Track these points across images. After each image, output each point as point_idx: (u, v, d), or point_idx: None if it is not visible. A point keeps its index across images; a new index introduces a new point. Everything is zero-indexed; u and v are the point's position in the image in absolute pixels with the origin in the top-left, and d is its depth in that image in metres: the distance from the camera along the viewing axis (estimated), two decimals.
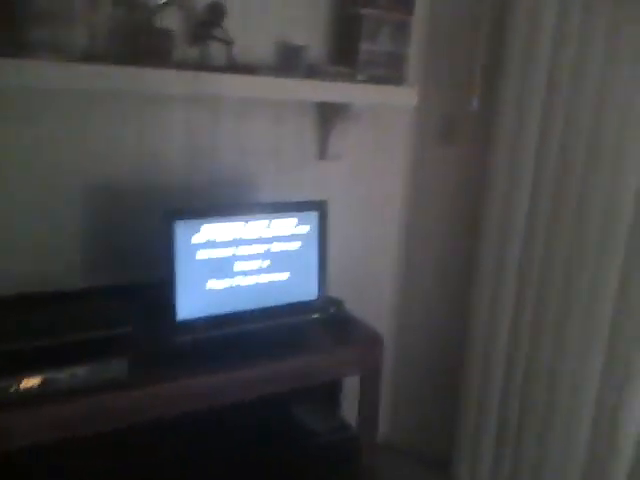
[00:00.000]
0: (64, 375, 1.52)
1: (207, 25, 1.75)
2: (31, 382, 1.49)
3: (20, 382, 1.47)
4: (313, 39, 2.03)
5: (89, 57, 1.58)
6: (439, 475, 2.43)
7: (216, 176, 1.99)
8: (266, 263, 1.84)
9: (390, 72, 2.06)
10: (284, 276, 1.88)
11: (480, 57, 2.12)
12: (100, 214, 1.84)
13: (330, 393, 2.18)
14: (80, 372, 1.54)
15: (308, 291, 1.93)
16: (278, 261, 1.86)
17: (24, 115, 1.70)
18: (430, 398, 2.52)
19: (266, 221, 1.82)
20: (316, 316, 1.95)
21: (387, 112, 2.26)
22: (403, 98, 2.10)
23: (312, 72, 1.94)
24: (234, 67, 1.80)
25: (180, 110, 1.90)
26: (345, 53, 2.03)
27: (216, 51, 1.80)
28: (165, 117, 1.88)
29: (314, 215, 1.90)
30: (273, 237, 1.84)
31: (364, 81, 2.00)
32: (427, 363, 2.51)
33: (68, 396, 1.51)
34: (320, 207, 1.91)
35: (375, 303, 2.46)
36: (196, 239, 1.72)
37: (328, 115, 2.12)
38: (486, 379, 2.28)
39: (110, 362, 1.58)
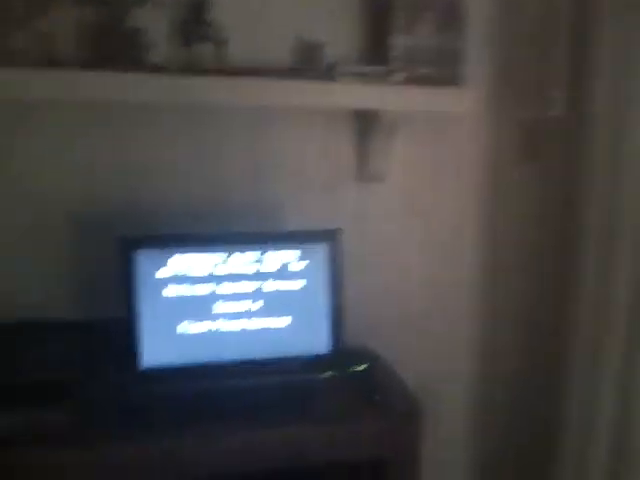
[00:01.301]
0: None
1: (190, 23, 1.49)
2: None
3: None
4: (338, 34, 1.66)
5: (49, 62, 1.40)
6: None
7: (223, 202, 1.70)
8: (257, 305, 1.50)
9: (439, 71, 1.63)
10: (283, 322, 1.52)
11: (564, 47, 1.60)
12: (84, 243, 1.63)
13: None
14: (4, 421, 1.32)
15: (317, 343, 1.55)
16: (274, 303, 1.51)
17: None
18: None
19: (256, 253, 1.49)
20: (327, 375, 1.55)
21: (448, 122, 1.81)
22: (456, 103, 1.64)
23: (333, 73, 1.58)
24: (225, 69, 1.51)
25: (178, 122, 1.64)
26: (377, 50, 1.64)
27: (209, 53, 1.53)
28: (160, 131, 1.64)
29: (322, 248, 1.52)
30: (266, 273, 1.50)
31: (400, 82, 1.59)
32: (513, 444, 1.95)
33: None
34: (330, 238, 1.53)
35: (441, 363, 1.98)
36: (162, 273, 1.44)
37: (364, 126, 1.73)
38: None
39: (43, 412, 1.34)
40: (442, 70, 1.64)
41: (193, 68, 1.50)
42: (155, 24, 1.50)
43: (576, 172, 1.67)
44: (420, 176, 1.84)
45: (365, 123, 1.72)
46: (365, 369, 1.62)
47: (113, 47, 1.43)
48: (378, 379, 1.61)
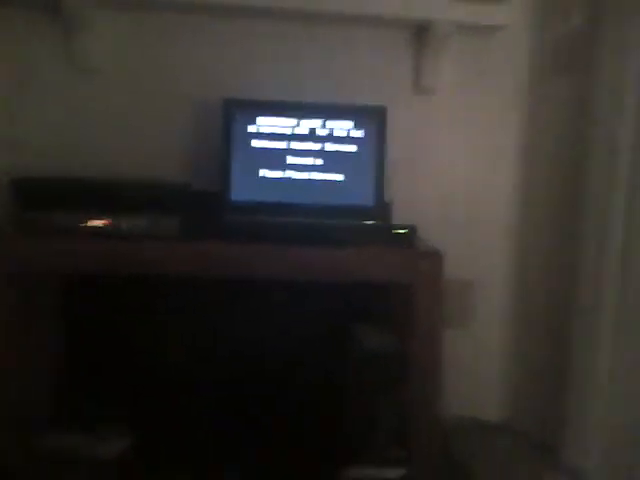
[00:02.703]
0: (125, 222, 1.86)
1: None
2: (96, 222, 1.86)
3: (87, 221, 1.86)
4: None
5: None
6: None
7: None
8: (319, 161, 1.96)
9: None
10: (338, 177, 1.96)
11: None
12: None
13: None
14: (138, 221, 1.86)
15: (365, 196, 1.97)
16: (332, 161, 1.96)
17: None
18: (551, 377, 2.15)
19: (320, 120, 1.95)
20: (370, 222, 1.95)
21: (489, 36, 2.13)
22: (499, 16, 2.03)
23: None
24: None
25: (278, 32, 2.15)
26: None
27: None
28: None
29: (372, 121, 1.96)
30: (326, 136, 1.96)
31: None
32: (548, 340, 2.17)
33: (126, 239, 1.83)
34: (377, 114, 1.96)
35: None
36: (251, 129, 1.94)
37: (418, 41, 2.14)
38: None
39: (163, 218, 1.86)
40: None
41: None
42: None
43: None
44: (463, 91, 2.17)
45: (422, 36, 2.12)
46: (403, 232, 1.97)
47: None
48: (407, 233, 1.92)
